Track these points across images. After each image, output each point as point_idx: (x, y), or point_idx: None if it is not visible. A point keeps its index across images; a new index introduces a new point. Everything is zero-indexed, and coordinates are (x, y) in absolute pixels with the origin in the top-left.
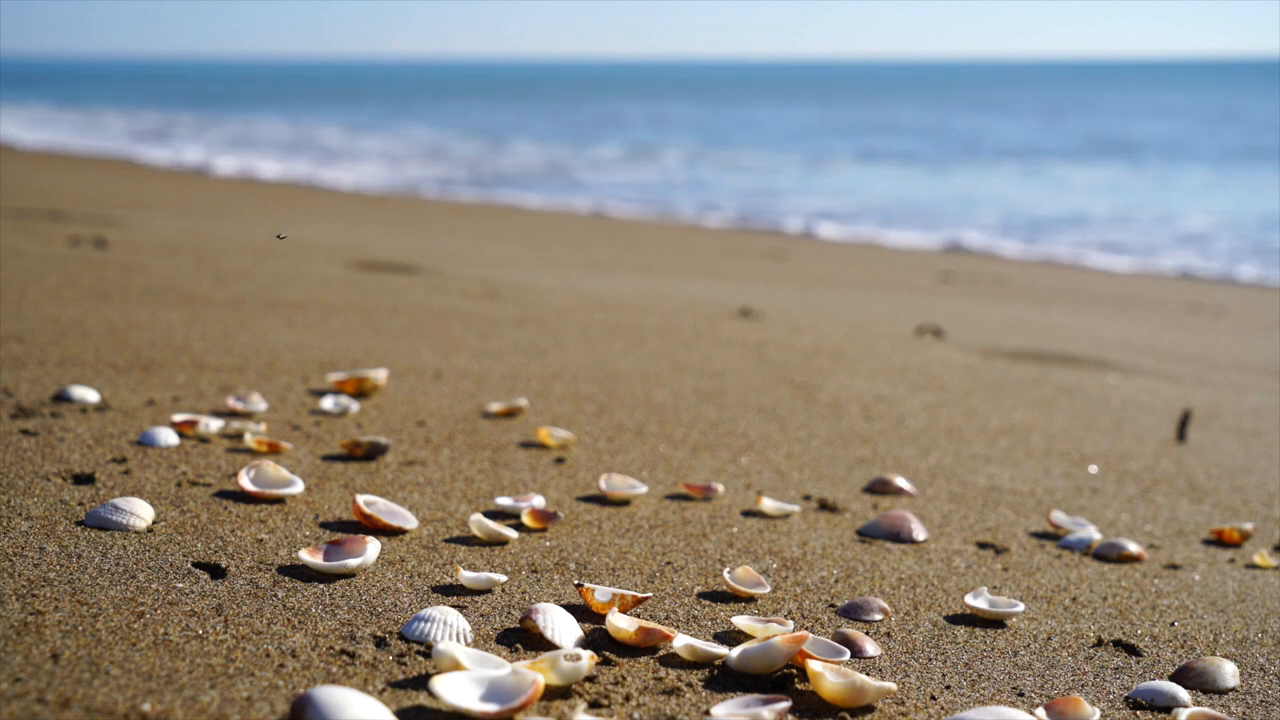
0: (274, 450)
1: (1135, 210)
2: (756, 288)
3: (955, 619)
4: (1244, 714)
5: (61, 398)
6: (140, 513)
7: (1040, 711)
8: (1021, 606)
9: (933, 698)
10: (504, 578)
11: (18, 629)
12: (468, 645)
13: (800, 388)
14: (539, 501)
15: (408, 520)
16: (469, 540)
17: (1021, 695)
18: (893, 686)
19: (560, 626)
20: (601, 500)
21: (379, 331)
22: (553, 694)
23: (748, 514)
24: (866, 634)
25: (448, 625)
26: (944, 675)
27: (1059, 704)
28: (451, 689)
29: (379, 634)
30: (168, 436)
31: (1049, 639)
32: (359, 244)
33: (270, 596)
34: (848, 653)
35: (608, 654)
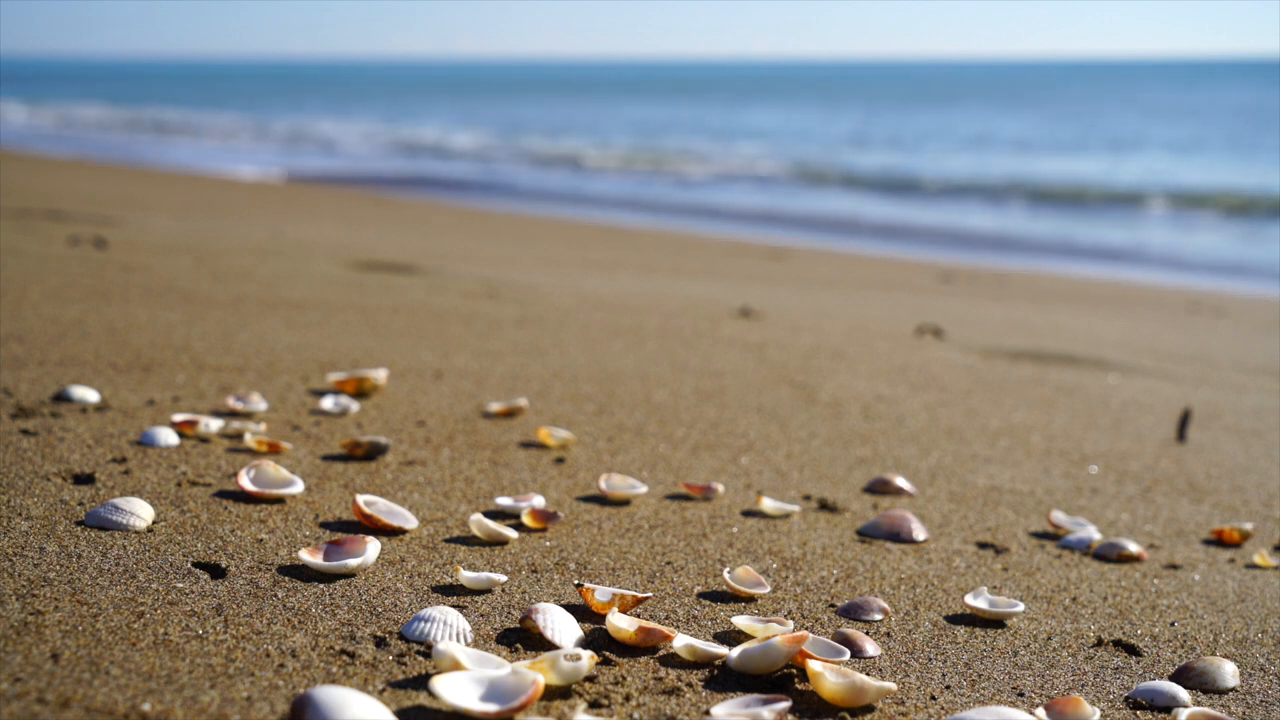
0: (274, 450)
1: (1134, 210)
2: (756, 288)
3: (955, 619)
4: (1244, 714)
5: (61, 398)
6: (140, 513)
7: (1040, 711)
8: (1021, 606)
9: (933, 698)
10: (504, 578)
11: (18, 629)
12: (468, 645)
13: (800, 388)
14: (539, 501)
15: (408, 520)
16: (469, 540)
17: (1021, 695)
18: (893, 686)
19: (560, 626)
20: (601, 500)
21: (379, 331)
22: (553, 694)
23: (748, 514)
24: (866, 634)
25: (448, 625)
26: (944, 675)
27: (1059, 704)
28: (451, 689)
29: (379, 634)
30: (168, 436)
31: (1049, 639)
32: (359, 244)
33: (270, 596)
34: (848, 653)
35: (608, 654)
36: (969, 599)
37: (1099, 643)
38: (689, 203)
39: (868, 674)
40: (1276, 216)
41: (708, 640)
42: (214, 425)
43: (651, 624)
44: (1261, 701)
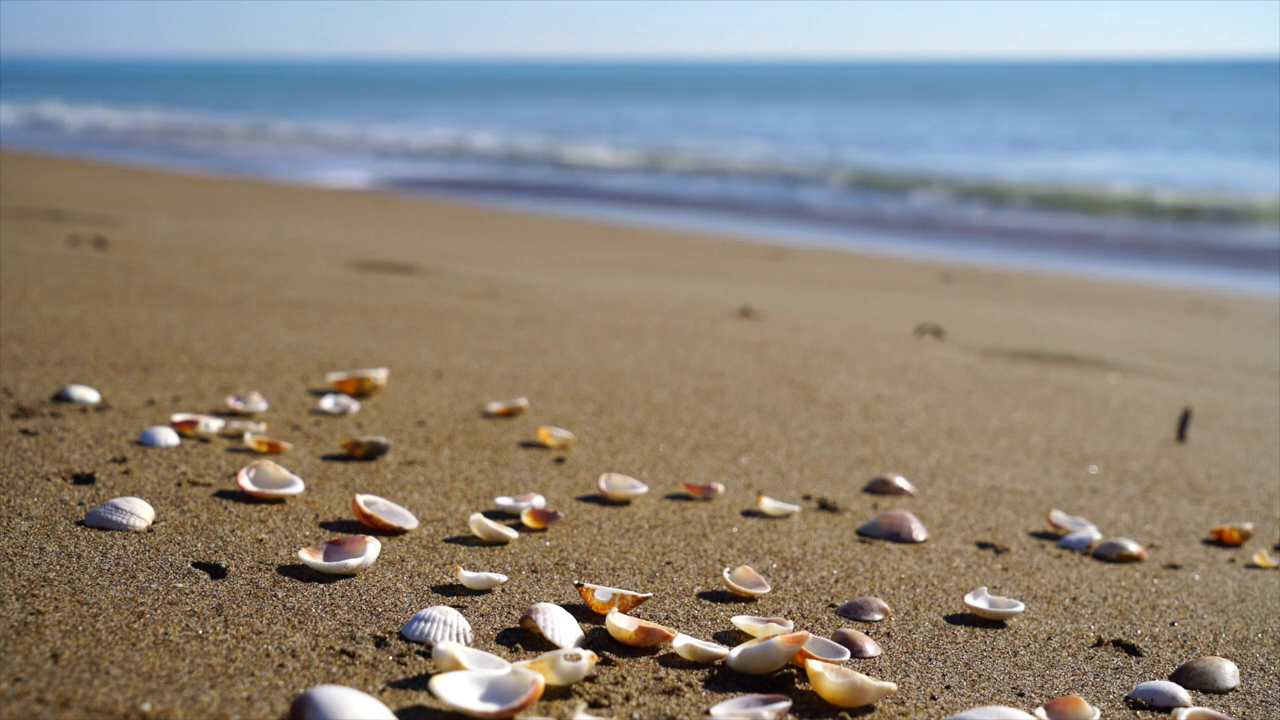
0: (274, 450)
1: (1137, 209)
2: (756, 288)
3: (955, 619)
4: (1244, 714)
5: (61, 398)
6: (140, 513)
7: (1040, 711)
8: (1021, 606)
9: (933, 698)
10: (504, 578)
11: (18, 629)
12: (468, 645)
13: (800, 388)
14: (539, 501)
15: (408, 520)
16: (469, 540)
17: (1021, 695)
18: (893, 686)
19: (560, 626)
20: (601, 500)
21: (379, 331)
22: (553, 694)
23: (748, 514)
24: (866, 634)
25: (448, 625)
26: (944, 675)
27: (1059, 704)
28: (451, 689)
29: (379, 634)
30: (168, 436)
31: (1049, 639)
32: (359, 244)
33: (270, 596)
34: (848, 653)
35: (608, 654)
36: (969, 599)
37: (1099, 643)
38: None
39: (868, 674)
40: (1277, 216)
41: (708, 640)
42: (214, 425)
43: (651, 624)
44: (1261, 701)
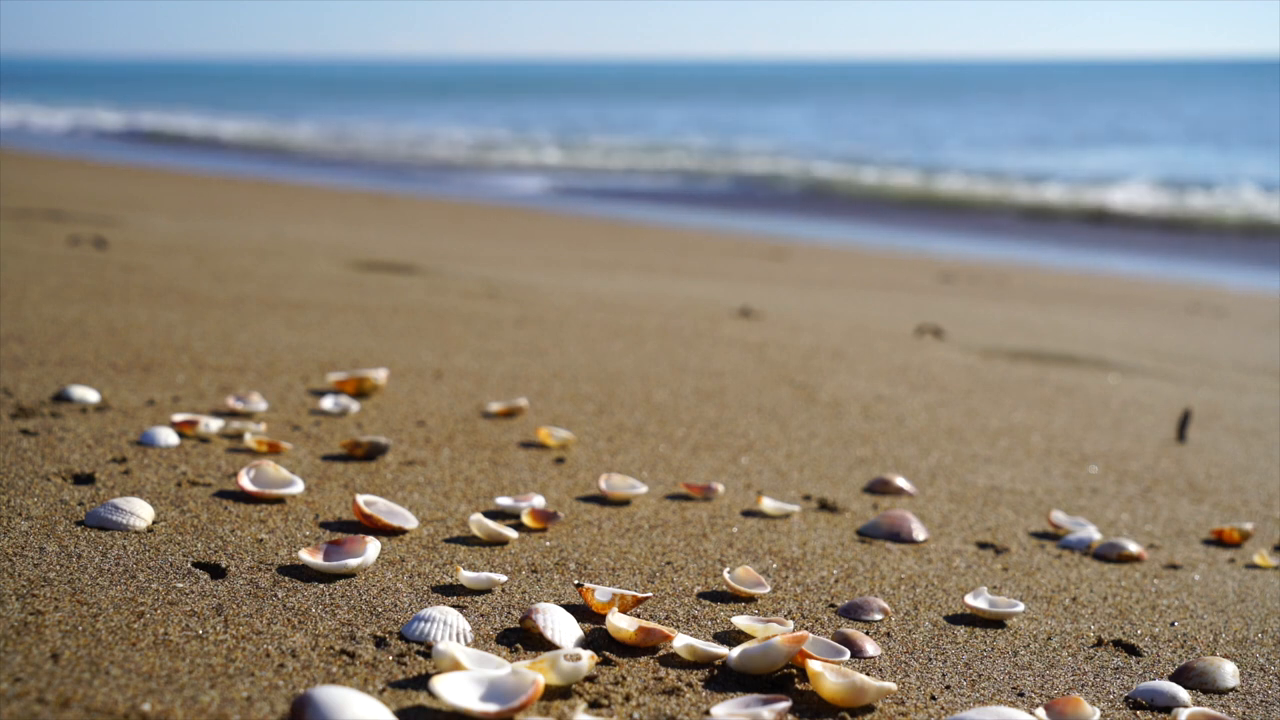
0: (274, 450)
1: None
2: (756, 288)
3: (955, 619)
4: (1244, 714)
5: (61, 398)
6: (140, 513)
7: (1040, 711)
8: (1021, 606)
9: (933, 698)
10: (504, 578)
11: (18, 629)
12: (468, 645)
13: (800, 388)
14: (539, 501)
15: (408, 520)
16: (469, 540)
17: (1021, 695)
18: (893, 686)
19: (560, 626)
20: (601, 500)
21: (379, 331)
22: (553, 694)
23: (748, 514)
24: (866, 634)
25: (448, 625)
26: (944, 675)
27: (1059, 704)
28: (451, 689)
29: (379, 634)
30: (168, 436)
31: (1049, 639)
32: (359, 244)
33: (270, 596)
34: (848, 653)
35: (608, 654)
36: (969, 599)
37: (1099, 643)
38: None
39: (868, 674)
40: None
41: (708, 640)
42: (214, 425)
43: (651, 624)
44: (1261, 701)
